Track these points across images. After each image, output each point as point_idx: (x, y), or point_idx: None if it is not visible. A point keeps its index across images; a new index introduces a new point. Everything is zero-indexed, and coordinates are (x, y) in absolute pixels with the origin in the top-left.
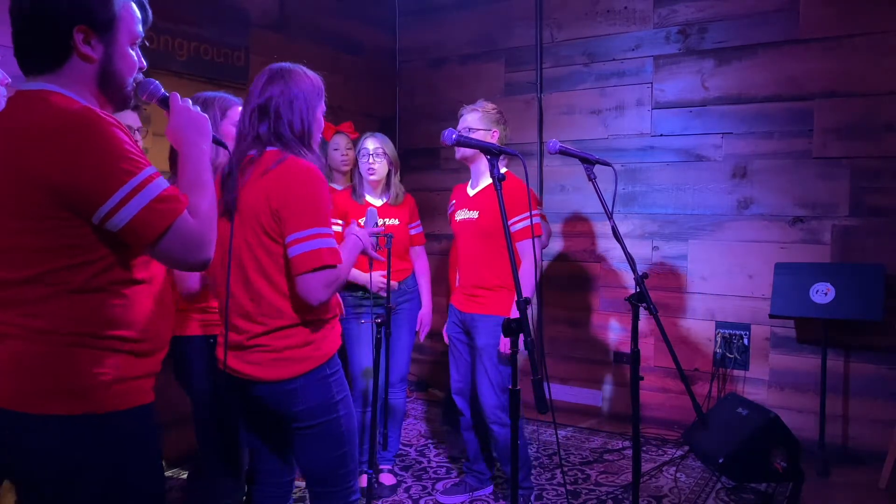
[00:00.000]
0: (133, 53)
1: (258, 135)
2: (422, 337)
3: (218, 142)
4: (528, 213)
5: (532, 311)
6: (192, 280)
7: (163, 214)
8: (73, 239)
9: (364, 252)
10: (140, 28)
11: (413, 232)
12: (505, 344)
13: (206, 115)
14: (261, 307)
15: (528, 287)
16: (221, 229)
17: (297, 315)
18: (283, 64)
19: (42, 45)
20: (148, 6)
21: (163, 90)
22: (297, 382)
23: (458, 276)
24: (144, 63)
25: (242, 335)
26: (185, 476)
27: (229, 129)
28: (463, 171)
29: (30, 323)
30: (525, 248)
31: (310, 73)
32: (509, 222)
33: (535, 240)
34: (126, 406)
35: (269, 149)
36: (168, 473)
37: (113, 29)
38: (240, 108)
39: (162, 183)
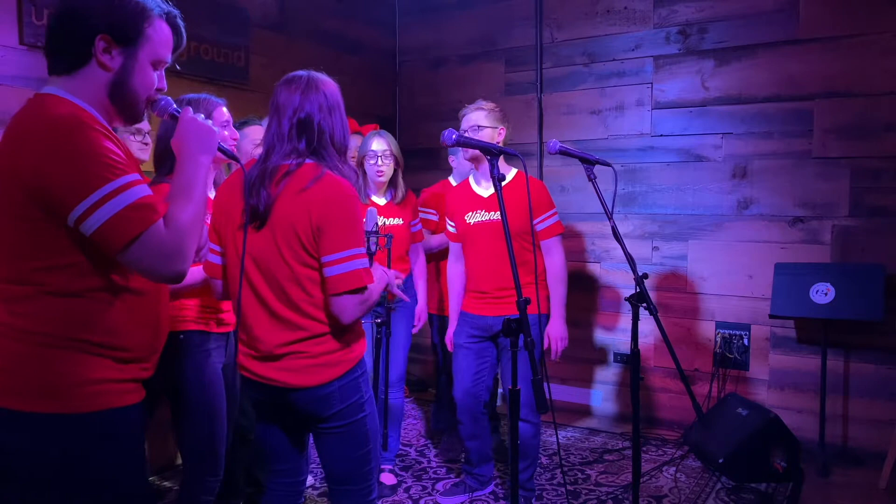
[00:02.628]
0: (153, 74)
1: (296, 148)
2: (415, 329)
3: (227, 153)
4: (554, 210)
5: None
6: (193, 274)
7: (133, 222)
8: (49, 241)
9: (388, 288)
10: (167, 52)
11: (414, 230)
12: (549, 340)
13: (214, 130)
14: (297, 315)
15: (564, 281)
16: (249, 239)
17: (332, 322)
18: (309, 73)
19: (64, 46)
20: (183, 32)
21: (174, 106)
22: (332, 386)
23: (469, 283)
24: (165, 85)
25: (272, 344)
26: (166, 483)
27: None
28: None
29: (13, 321)
30: (553, 245)
31: (330, 79)
32: (536, 220)
33: (561, 237)
34: (99, 408)
35: (307, 161)
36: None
37: (136, 44)
38: (224, 109)
39: (140, 191)
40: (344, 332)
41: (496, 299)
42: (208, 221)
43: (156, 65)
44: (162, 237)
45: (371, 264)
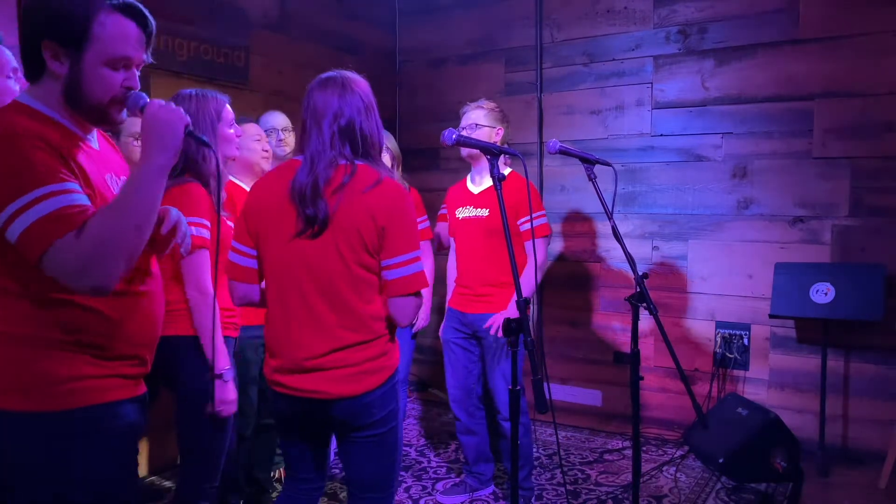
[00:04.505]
0: (111, 74)
1: (342, 153)
2: (414, 329)
3: (197, 139)
4: (541, 213)
5: (533, 311)
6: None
7: (43, 234)
8: None
9: None
10: (126, 47)
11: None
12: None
13: (179, 121)
14: (344, 320)
15: (531, 285)
16: (301, 246)
17: (378, 329)
18: (341, 74)
19: (25, 57)
20: (149, 19)
21: (143, 100)
22: (374, 394)
23: (456, 277)
24: (135, 83)
25: (317, 352)
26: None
27: (225, 132)
28: (463, 171)
29: None
30: (539, 245)
31: (360, 77)
32: (521, 220)
33: (545, 239)
34: (79, 404)
35: (358, 164)
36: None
37: (82, 47)
38: (229, 107)
39: (62, 201)
40: (385, 339)
41: (477, 296)
42: (229, 222)
43: (114, 64)
44: (69, 251)
45: None
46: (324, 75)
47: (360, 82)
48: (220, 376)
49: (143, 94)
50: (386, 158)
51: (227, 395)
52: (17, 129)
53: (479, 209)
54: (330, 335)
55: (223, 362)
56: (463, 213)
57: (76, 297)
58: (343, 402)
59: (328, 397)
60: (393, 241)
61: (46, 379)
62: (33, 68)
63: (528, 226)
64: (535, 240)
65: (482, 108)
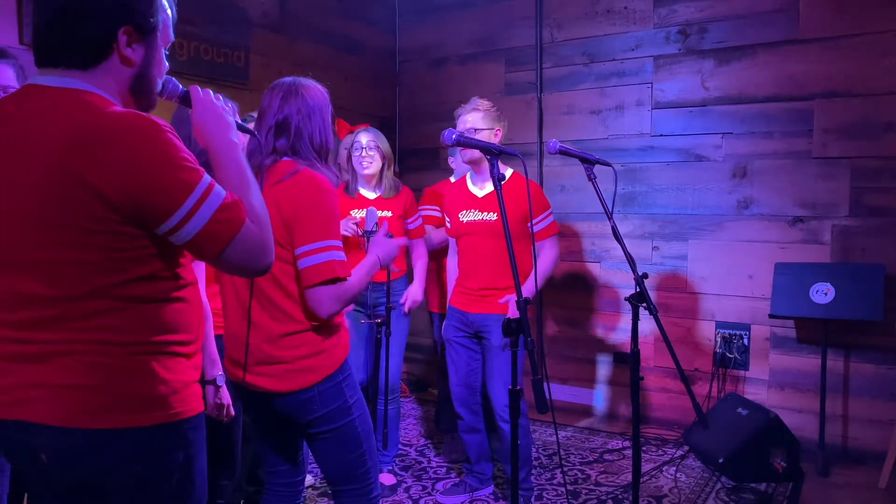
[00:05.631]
0: (163, 57)
1: (275, 148)
2: (405, 308)
3: (244, 129)
4: (549, 211)
5: (534, 311)
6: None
7: (228, 225)
8: (131, 252)
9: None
10: (172, 31)
11: (412, 226)
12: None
13: (224, 106)
14: (270, 312)
15: (546, 273)
16: None
17: (307, 320)
18: (295, 79)
19: (81, 41)
20: (174, 5)
21: (181, 87)
22: (312, 391)
23: (458, 277)
24: (167, 64)
25: (252, 345)
26: None
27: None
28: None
29: (92, 336)
30: (548, 243)
31: (318, 84)
32: (532, 222)
33: (555, 237)
34: (192, 413)
35: (283, 159)
36: None
37: (155, 34)
38: (237, 114)
39: (221, 190)
40: (321, 335)
41: (480, 297)
42: None
43: (166, 48)
44: (253, 233)
45: (367, 248)
46: (277, 80)
47: (312, 89)
48: (212, 381)
49: (174, 80)
50: (376, 158)
51: (222, 399)
52: (153, 119)
53: (485, 213)
54: (257, 328)
55: (215, 368)
56: (467, 216)
57: (182, 293)
58: (278, 397)
59: (264, 391)
60: (301, 231)
61: (169, 387)
62: (90, 55)
63: (542, 224)
64: (547, 239)
65: (478, 109)
